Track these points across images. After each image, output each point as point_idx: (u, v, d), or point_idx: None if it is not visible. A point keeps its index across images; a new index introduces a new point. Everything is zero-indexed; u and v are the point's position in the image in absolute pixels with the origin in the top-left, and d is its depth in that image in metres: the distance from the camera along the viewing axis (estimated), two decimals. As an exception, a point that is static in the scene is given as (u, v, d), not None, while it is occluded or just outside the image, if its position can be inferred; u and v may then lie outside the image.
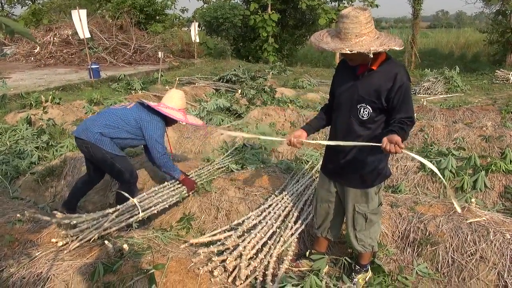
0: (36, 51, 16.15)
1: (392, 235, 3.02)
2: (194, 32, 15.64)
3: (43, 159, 5.50)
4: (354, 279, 2.64)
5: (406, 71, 2.17)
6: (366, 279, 2.71)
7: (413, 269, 2.76)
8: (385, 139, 1.98)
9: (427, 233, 2.89)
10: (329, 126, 2.54)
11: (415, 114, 2.24)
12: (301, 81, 11.60)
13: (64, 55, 15.62)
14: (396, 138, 1.93)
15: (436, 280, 2.69)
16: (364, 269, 2.70)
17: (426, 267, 2.76)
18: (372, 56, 1.99)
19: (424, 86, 10.25)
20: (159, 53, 11.82)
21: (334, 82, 2.44)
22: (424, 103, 7.25)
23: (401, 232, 3.01)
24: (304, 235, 3.05)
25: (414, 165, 4.33)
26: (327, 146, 2.51)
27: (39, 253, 2.59)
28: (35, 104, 7.36)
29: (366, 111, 2.20)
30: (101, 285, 2.28)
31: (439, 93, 9.82)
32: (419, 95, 9.90)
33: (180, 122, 3.62)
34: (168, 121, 3.50)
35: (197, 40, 16.36)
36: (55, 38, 16.30)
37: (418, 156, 2.09)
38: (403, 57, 17.49)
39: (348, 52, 1.99)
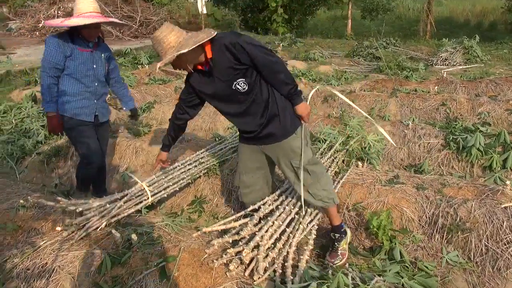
0: (40, 25, 15.82)
1: (419, 220, 2.81)
2: (201, 3, 15.14)
3: (49, 138, 5.33)
4: (339, 249, 2.58)
5: (228, 35, 2.22)
6: (348, 241, 2.67)
7: (443, 258, 2.57)
8: (299, 115, 2.38)
9: (458, 219, 2.67)
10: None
11: (269, 47, 2.41)
12: (313, 53, 11.17)
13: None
14: (303, 109, 2.34)
15: (468, 270, 2.49)
16: (342, 230, 2.62)
17: (457, 256, 2.56)
18: (157, 71, 2.23)
19: (441, 56, 9.79)
20: (166, 25, 11.42)
21: (194, 91, 2.44)
22: (444, 75, 6.89)
23: (429, 217, 2.79)
24: (324, 220, 2.86)
25: (438, 142, 4.08)
26: (234, 120, 2.57)
27: (44, 242, 2.44)
28: (39, 81, 7.15)
29: (242, 84, 2.25)
30: (109, 279, 2.13)
31: (458, 64, 9.37)
32: (437, 66, 9.47)
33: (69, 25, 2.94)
34: (75, 35, 2.97)
35: (205, 12, 15.90)
36: (59, 12, 15.90)
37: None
38: (418, 26, 16.84)
39: (159, 68, 2.24)
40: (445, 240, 2.66)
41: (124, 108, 3.65)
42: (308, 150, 2.45)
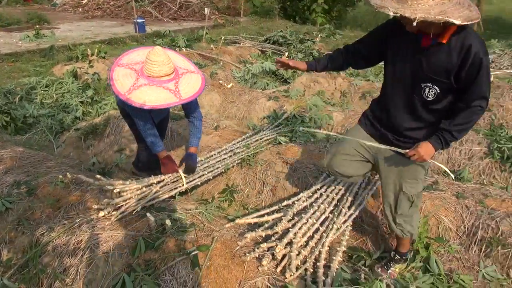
0: (84, 2, 16.14)
1: (457, 230, 2.71)
2: (241, -12, 15.02)
3: (87, 114, 5.46)
4: (391, 268, 2.44)
5: (483, 44, 1.77)
6: (402, 268, 2.50)
7: (479, 271, 2.46)
8: (417, 150, 1.92)
9: (500, 233, 2.55)
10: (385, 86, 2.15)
11: (489, 97, 1.88)
12: (351, 46, 10.90)
13: (111, 7, 15.54)
14: (428, 153, 1.91)
15: (506, 286, 2.39)
16: (404, 257, 2.48)
17: (495, 271, 2.45)
18: (415, 25, 1.59)
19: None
20: (205, 9, 11.40)
21: (386, 44, 2.03)
22: (491, 79, 6.57)
23: (467, 228, 2.68)
24: (359, 221, 2.80)
25: (481, 150, 3.90)
26: (380, 107, 2.16)
27: (79, 219, 2.50)
28: (81, 57, 7.31)
29: (432, 91, 1.88)
30: (142, 262, 2.15)
31: (505, 68, 8.93)
32: (482, 68, 9.05)
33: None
34: None
35: (244, -3, 15.76)
36: (102, -11, 16.18)
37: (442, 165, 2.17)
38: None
39: (392, 15, 1.62)
40: (483, 254, 2.55)
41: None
42: (422, 180, 2.22)
